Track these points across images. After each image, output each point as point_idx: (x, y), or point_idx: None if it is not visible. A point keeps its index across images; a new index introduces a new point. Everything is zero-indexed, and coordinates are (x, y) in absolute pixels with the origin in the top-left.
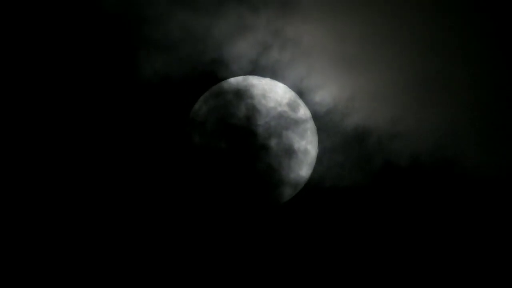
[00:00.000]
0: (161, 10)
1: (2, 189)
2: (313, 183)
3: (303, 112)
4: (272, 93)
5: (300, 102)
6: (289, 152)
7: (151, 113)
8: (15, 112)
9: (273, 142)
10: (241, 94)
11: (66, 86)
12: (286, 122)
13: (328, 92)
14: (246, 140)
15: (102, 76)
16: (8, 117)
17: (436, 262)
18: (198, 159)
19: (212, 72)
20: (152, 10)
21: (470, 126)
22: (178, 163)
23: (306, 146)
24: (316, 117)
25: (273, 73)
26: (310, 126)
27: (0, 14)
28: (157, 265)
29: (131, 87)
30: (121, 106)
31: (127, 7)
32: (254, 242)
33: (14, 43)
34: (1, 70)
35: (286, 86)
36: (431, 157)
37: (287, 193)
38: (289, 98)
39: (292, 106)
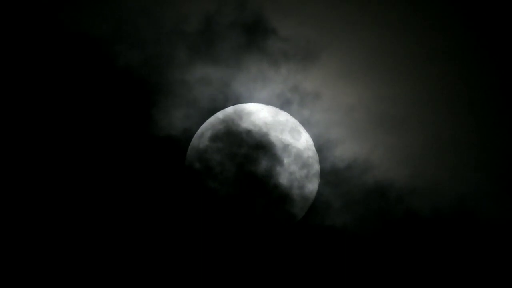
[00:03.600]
0: (181, 63)
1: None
2: (336, 231)
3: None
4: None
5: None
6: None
7: (171, 165)
8: (47, 158)
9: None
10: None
11: (89, 138)
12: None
13: (348, 147)
14: (268, 189)
15: (122, 130)
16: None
17: None
18: (217, 206)
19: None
20: (172, 63)
21: (488, 180)
22: (197, 211)
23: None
24: (337, 171)
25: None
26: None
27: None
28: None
29: (150, 141)
30: (141, 159)
31: (146, 62)
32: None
33: (48, 96)
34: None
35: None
36: (451, 209)
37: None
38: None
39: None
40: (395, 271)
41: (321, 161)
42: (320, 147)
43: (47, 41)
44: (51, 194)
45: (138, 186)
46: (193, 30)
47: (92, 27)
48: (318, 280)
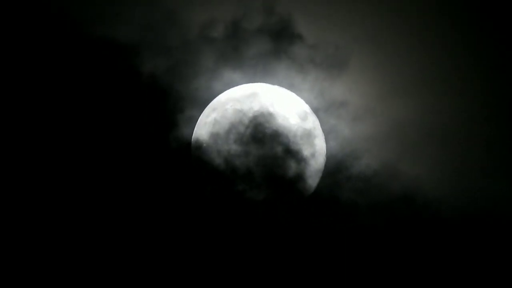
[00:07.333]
0: (207, 69)
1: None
2: (360, 231)
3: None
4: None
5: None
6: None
7: (198, 170)
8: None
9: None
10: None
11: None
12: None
13: (374, 155)
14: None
15: (148, 136)
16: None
17: None
18: (246, 210)
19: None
20: (198, 69)
21: None
22: (228, 215)
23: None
24: (364, 178)
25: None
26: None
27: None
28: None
29: (176, 146)
30: (167, 165)
31: (172, 68)
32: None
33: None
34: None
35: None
36: (478, 214)
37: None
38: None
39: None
40: (421, 270)
41: (348, 168)
42: (346, 156)
43: (73, 47)
44: (80, 196)
45: (163, 193)
46: (219, 36)
47: (119, 33)
48: (342, 273)
